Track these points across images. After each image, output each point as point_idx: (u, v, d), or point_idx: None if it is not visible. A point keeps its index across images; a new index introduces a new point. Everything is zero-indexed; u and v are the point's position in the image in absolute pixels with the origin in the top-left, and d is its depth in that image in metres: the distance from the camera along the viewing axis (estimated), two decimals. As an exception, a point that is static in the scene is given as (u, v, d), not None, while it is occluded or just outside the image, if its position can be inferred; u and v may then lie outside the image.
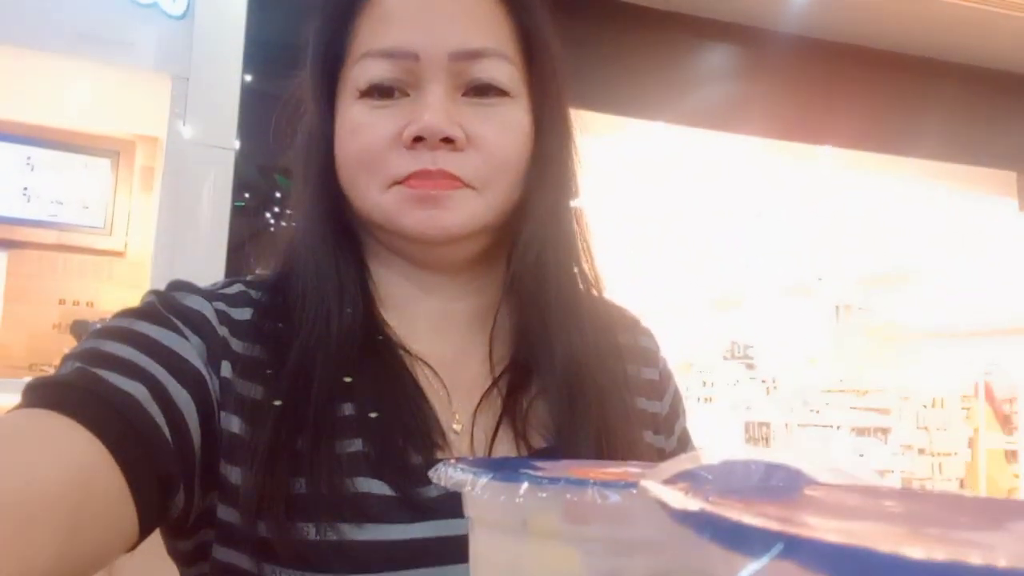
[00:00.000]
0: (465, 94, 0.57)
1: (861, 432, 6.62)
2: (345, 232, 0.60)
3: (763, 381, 7.50)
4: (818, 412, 6.96)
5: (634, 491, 0.22)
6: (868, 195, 5.07)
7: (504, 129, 0.57)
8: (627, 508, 0.22)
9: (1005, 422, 6.98)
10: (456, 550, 0.51)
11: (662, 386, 0.68)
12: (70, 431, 0.45)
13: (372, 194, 0.56)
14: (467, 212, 0.56)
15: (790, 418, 6.99)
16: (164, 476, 0.48)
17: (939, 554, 0.12)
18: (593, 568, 0.24)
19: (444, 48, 0.56)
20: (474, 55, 0.56)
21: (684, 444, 0.69)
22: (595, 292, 0.64)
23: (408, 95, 0.57)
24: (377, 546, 0.49)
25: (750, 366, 7.85)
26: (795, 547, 0.12)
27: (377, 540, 0.50)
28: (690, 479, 0.20)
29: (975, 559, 0.12)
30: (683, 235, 6.45)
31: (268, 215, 3.31)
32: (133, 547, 0.49)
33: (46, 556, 0.40)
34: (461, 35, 0.56)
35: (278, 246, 0.63)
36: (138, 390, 0.49)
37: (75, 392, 0.47)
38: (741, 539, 0.13)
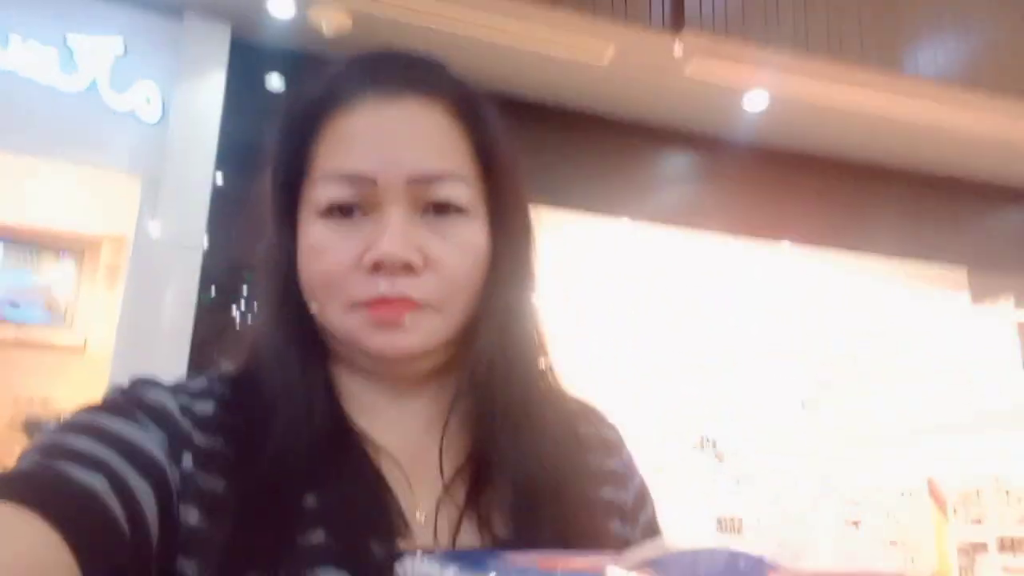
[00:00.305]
0: (424, 212, 0.59)
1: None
2: (308, 334, 0.61)
3: (734, 478, 7.43)
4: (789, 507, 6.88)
5: (600, 581, 0.22)
6: (826, 292, 5.20)
7: (462, 250, 0.59)
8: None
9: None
10: None
11: (626, 476, 0.69)
12: (27, 522, 0.44)
13: (335, 315, 0.58)
14: (426, 332, 0.58)
15: (761, 512, 6.89)
16: (119, 569, 0.47)
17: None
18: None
19: (401, 173, 0.57)
20: (431, 178, 0.58)
21: (650, 533, 0.68)
22: (553, 385, 0.65)
23: (368, 215, 0.58)
24: None
25: (719, 458, 7.80)
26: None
27: None
28: (656, 566, 0.21)
29: None
30: (646, 331, 6.51)
31: (235, 311, 3.29)
32: None
33: None
34: (418, 159, 0.58)
35: (242, 343, 0.64)
36: (97, 481, 0.48)
37: (33, 484, 0.47)
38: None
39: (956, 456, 7.31)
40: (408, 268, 0.57)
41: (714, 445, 8.49)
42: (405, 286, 0.57)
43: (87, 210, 3.05)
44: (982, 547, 7.27)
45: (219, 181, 2.84)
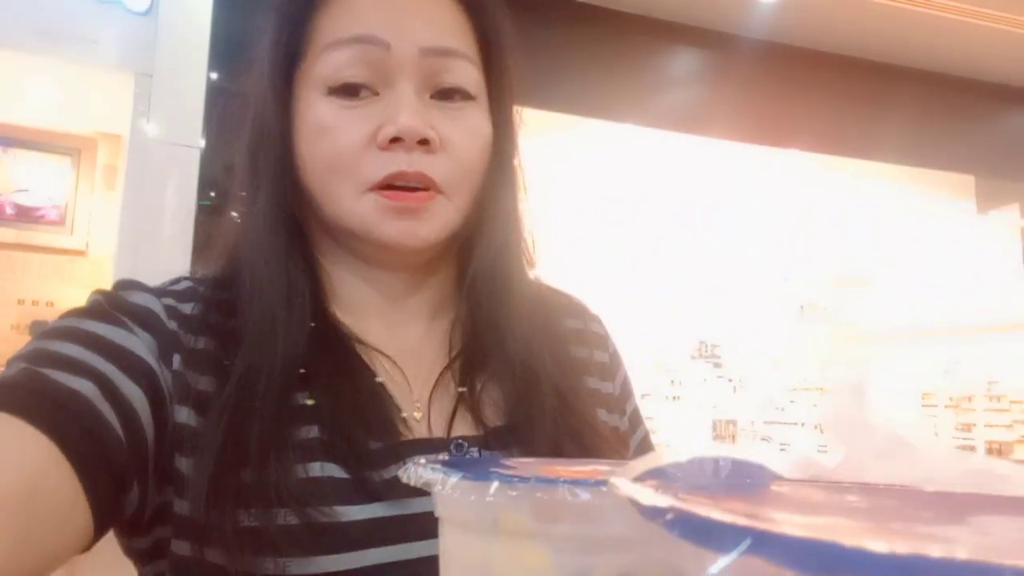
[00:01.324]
0: (432, 96, 0.57)
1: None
2: (295, 229, 0.59)
3: (730, 380, 7.59)
4: (783, 410, 7.06)
5: (604, 489, 0.22)
6: (832, 198, 5.16)
7: (471, 133, 0.58)
8: (597, 506, 0.22)
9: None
10: (415, 528, 0.51)
11: (613, 368, 0.70)
12: (18, 431, 0.44)
13: (345, 200, 0.56)
14: (442, 221, 0.56)
15: (756, 416, 7.08)
16: (117, 473, 0.48)
17: (902, 547, 0.12)
18: (564, 566, 0.24)
19: (415, 42, 0.55)
20: (444, 53, 0.56)
21: (636, 423, 0.70)
22: (540, 280, 0.66)
23: (376, 94, 0.56)
24: (331, 528, 0.49)
25: (717, 365, 7.94)
26: (763, 542, 0.13)
27: (332, 523, 0.49)
28: (659, 476, 0.20)
29: (935, 552, 0.12)
30: (649, 238, 6.50)
31: (235, 214, 3.27)
32: (89, 547, 0.48)
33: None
34: (431, 32, 0.56)
35: (223, 242, 0.62)
36: (87, 388, 0.48)
37: (22, 392, 0.47)
38: (710, 535, 0.14)
39: (951, 362, 7.43)
40: (425, 144, 0.55)
41: (713, 350, 8.63)
42: (422, 163, 0.55)
43: (81, 109, 2.99)
44: (970, 451, 7.44)
45: (213, 77, 2.77)
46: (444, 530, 0.29)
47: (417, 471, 0.28)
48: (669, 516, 0.15)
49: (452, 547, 0.28)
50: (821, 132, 4.22)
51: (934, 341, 7.67)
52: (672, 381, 8.03)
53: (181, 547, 0.52)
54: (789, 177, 4.72)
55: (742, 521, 0.13)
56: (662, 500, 0.17)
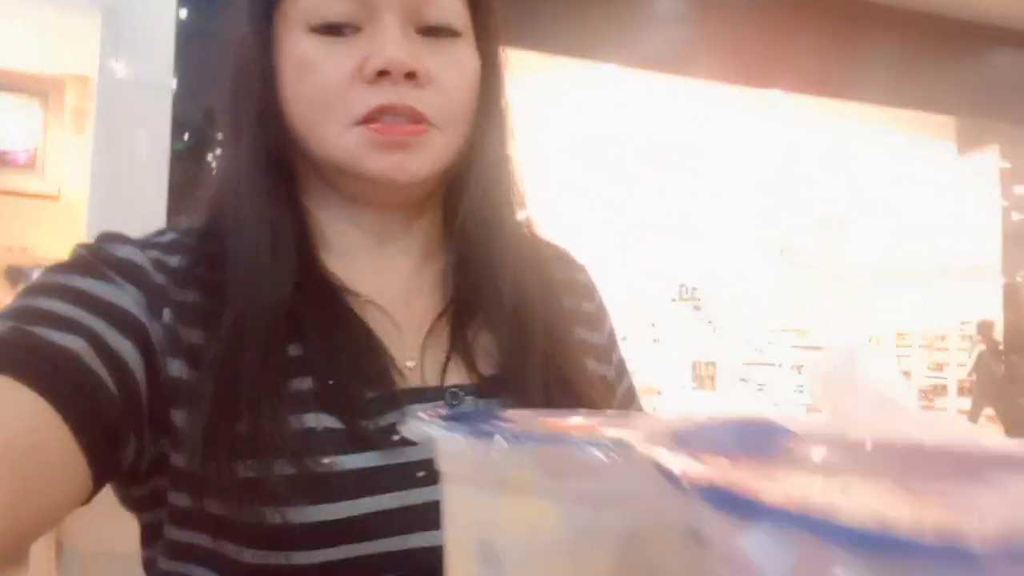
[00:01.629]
0: (417, 32, 0.55)
1: (803, 369, 6.87)
2: (280, 172, 0.58)
3: (709, 322, 7.67)
4: (761, 352, 7.18)
5: (612, 445, 0.22)
6: (814, 140, 5.14)
7: (459, 68, 0.57)
8: (608, 464, 0.21)
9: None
10: (412, 476, 0.51)
11: (600, 318, 0.70)
12: (11, 390, 0.44)
13: (331, 135, 0.54)
14: (432, 155, 0.55)
15: (735, 358, 7.18)
16: (111, 429, 0.48)
17: (930, 520, 0.12)
18: (570, 522, 0.24)
19: None
20: None
21: (621, 373, 0.71)
22: (529, 230, 0.65)
23: (360, 29, 0.54)
24: (328, 477, 0.49)
25: (697, 307, 8.02)
26: (806, 523, 0.12)
27: (329, 472, 0.49)
28: (674, 435, 0.20)
29: (975, 540, 0.12)
30: (631, 181, 6.48)
31: (211, 158, 3.21)
32: (88, 500, 0.49)
33: None
34: None
35: (207, 191, 0.61)
36: (78, 344, 0.48)
37: (12, 350, 0.46)
38: (746, 508, 0.13)
39: (926, 302, 7.55)
40: (412, 78, 0.54)
41: (692, 292, 8.68)
42: (411, 97, 0.54)
43: (47, 50, 2.89)
44: (942, 390, 7.65)
45: (183, 15, 2.68)
46: (447, 486, 0.28)
47: (419, 426, 0.27)
48: (701, 484, 0.14)
49: (454, 503, 0.28)
50: (804, 72, 4.19)
51: (910, 282, 7.79)
52: (652, 324, 8.12)
53: (178, 498, 0.52)
54: (771, 119, 4.69)
55: (781, 499, 0.13)
56: (679, 461, 0.17)
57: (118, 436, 0.48)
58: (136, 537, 0.59)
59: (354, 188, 0.58)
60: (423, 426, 0.27)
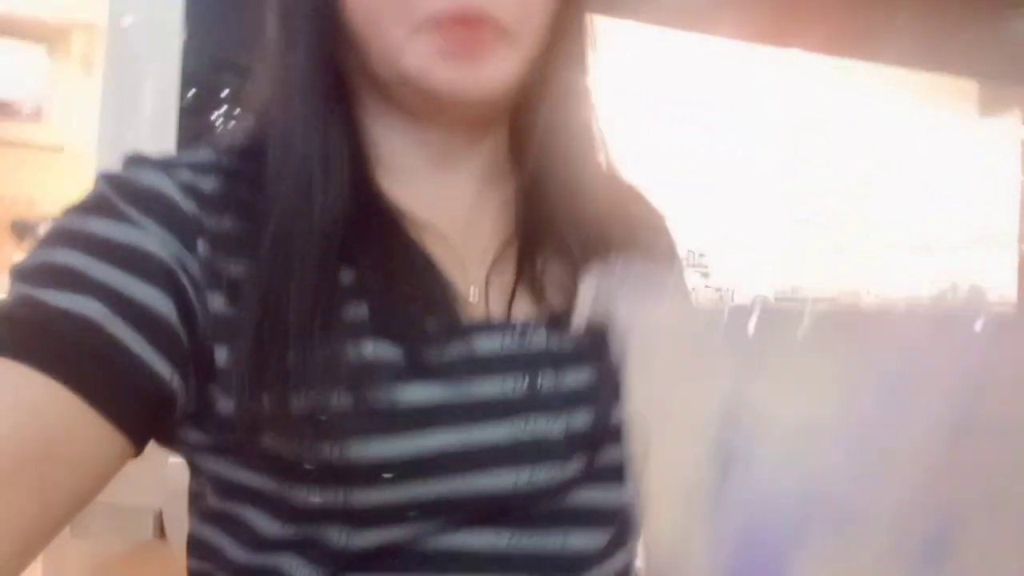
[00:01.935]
0: None
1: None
2: (334, 83, 0.53)
3: (718, 289, 7.65)
4: (770, 319, 7.16)
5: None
6: (832, 102, 5.05)
7: None
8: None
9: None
10: (479, 411, 0.47)
11: (671, 258, 0.68)
12: (18, 377, 0.42)
13: (395, 39, 0.49)
14: (504, 68, 0.51)
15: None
16: (145, 395, 0.45)
17: None
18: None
19: None
20: None
21: None
22: (606, 163, 0.61)
23: None
24: (390, 410, 0.46)
25: (705, 274, 7.99)
26: None
27: (391, 405, 0.46)
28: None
29: None
30: (642, 140, 6.40)
31: (219, 113, 3.15)
32: (135, 455, 0.47)
33: (27, 515, 0.38)
34: None
35: (250, 105, 0.57)
36: (93, 308, 0.45)
37: (25, 330, 0.43)
38: None
39: (939, 270, 7.51)
40: None
41: (700, 259, 8.66)
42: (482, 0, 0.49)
43: (51, -4, 2.83)
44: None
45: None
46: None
47: None
48: None
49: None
50: (823, 32, 4.10)
51: (924, 249, 7.73)
52: (661, 289, 8.12)
53: (227, 436, 0.49)
54: (788, 79, 4.60)
55: None
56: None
57: (154, 399, 0.46)
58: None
59: (416, 102, 0.53)
60: None
